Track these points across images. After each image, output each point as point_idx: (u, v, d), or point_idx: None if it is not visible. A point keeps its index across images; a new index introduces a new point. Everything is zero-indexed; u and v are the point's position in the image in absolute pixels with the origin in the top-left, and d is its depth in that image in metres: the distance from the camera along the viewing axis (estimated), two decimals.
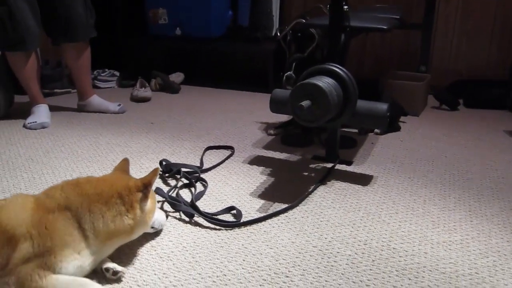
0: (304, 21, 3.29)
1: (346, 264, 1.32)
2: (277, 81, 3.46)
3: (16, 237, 1.05)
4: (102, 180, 1.24)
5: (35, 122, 2.52)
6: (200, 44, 3.48)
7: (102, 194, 1.16)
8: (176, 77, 3.41)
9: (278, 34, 3.35)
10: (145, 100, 3.06)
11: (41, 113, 2.59)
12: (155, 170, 1.25)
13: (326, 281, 1.24)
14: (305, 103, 1.60)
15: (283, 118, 2.67)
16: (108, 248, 1.19)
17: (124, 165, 1.36)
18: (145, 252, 1.35)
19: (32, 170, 1.95)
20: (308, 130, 2.36)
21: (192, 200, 1.61)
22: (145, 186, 1.22)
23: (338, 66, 1.78)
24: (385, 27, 1.96)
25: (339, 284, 1.22)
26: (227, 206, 1.60)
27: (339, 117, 1.77)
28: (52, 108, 2.74)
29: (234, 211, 1.58)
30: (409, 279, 1.26)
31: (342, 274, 1.27)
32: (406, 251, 1.39)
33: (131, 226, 1.19)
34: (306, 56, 2.32)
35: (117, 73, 3.51)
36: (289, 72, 2.24)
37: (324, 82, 1.66)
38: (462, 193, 1.78)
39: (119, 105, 2.84)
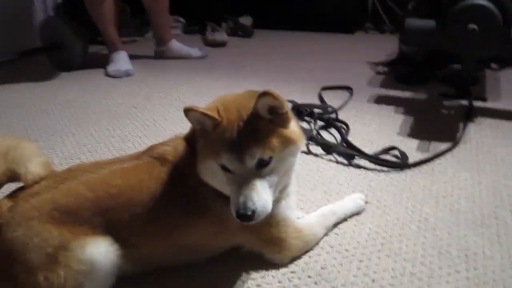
0: None
1: None
2: (357, 20, 3.24)
3: None
4: None
5: (119, 69, 2.36)
6: None
7: None
8: (245, 20, 3.19)
9: None
10: (222, 44, 2.86)
11: (122, 60, 2.42)
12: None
13: None
14: (474, 27, 1.40)
15: (379, 58, 2.47)
16: None
17: None
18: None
19: (142, 117, 1.80)
20: (420, 67, 2.17)
21: (347, 141, 1.45)
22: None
23: None
24: None
25: None
26: (384, 147, 1.44)
27: (495, 44, 1.57)
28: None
29: (396, 152, 1.42)
30: None
31: None
32: None
33: None
34: None
35: (181, 19, 3.29)
36: (416, 1, 2.01)
37: (488, 3, 1.45)
38: None
39: (200, 49, 2.65)
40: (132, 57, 2.52)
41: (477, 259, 0.97)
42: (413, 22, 1.75)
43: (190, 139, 0.96)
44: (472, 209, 1.15)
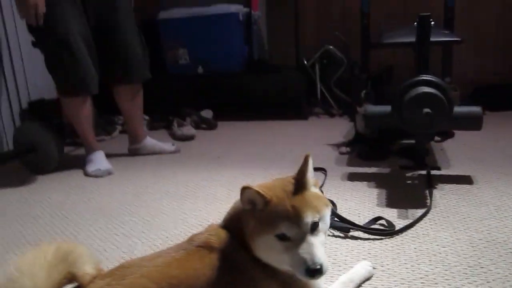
0: (331, 47, 3.49)
1: None
2: (309, 106, 3.60)
3: None
4: None
5: (99, 169, 2.44)
6: (226, 79, 3.54)
7: None
8: (206, 114, 3.42)
9: (305, 62, 3.53)
10: (191, 138, 3.05)
11: (100, 159, 2.52)
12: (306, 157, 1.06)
13: None
14: (428, 110, 1.70)
15: (335, 139, 2.77)
16: None
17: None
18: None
19: (138, 213, 1.89)
20: (376, 144, 2.47)
21: (339, 216, 1.64)
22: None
23: (433, 76, 1.91)
24: (459, 39, 2.14)
25: None
26: (372, 218, 1.65)
27: (444, 122, 1.89)
28: None
29: (383, 221, 1.62)
30: None
31: None
32: None
33: None
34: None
35: (146, 117, 3.46)
36: (366, 90, 2.34)
37: (435, 90, 1.78)
38: None
39: (173, 144, 2.81)
40: (107, 156, 2.62)
41: None
42: (372, 109, 2.06)
43: (228, 225, 1.11)
44: (460, 262, 1.35)
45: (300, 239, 0.96)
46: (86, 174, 2.45)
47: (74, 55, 2.30)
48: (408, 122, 1.82)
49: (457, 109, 1.93)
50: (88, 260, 1.04)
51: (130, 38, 2.49)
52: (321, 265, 0.94)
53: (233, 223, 1.10)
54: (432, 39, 2.03)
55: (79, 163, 2.58)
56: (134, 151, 2.77)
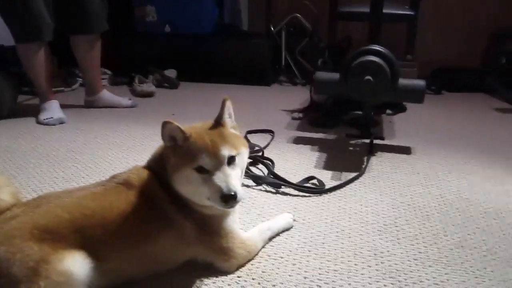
0: (299, 15, 3.49)
1: (437, 213, 1.49)
2: (273, 74, 3.62)
3: None
4: None
5: (51, 118, 2.43)
6: (193, 41, 3.52)
7: None
8: (170, 73, 3.41)
9: (272, 29, 3.53)
10: (150, 95, 3.04)
11: (54, 108, 2.50)
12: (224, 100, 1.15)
13: (430, 226, 1.40)
14: (369, 78, 1.75)
15: (293, 106, 2.82)
16: None
17: None
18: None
19: (82, 160, 1.91)
20: (329, 113, 2.52)
21: (274, 173, 1.69)
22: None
23: (382, 47, 1.95)
24: (412, 13, 2.18)
25: (443, 228, 1.39)
26: (305, 177, 1.71)
27: (385, 91, 1.94)
28: None
29: (315, 181, 1.69)
30: (494, 219, 1.46)
31: (440, 220, 1.43)
32: (478, 200, 1.59)
33: None
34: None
35: (108, 71, 3.43)
36: (323, 59, 2.38)
37: (380, 60, 1.83)
38: (495, 155, 2.05)
39: (130, 99, 2.81)
40: (62, 106, 2.60)
41: (383, 256, 1.23)
42: (322, 75, 2.10)
43: (151, 166, 1.15)
44: (377, 220, 1.43)
45: (217, 171, 1.02)
46: (38, 122, 2.44)
47: (26, 2, 2.27)
48: (352, 89, 1.87)
49: (402, 81, 1.98)
50: (7, 190, 1.07)
51: None
52: (235, 192, 1.00)
53: (156, 163, 1.15)
54: (385, 11, 2.06)
55: (33, 112, 2.55)
56: (90, 103, 2.75)
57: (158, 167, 1.12)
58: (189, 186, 1.06)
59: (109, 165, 1.86)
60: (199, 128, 1.09)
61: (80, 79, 3.27)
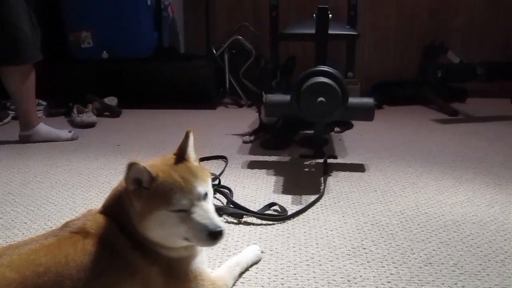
0: (240, 37, 3.49)
1: (401, 230, 1.49)
2: (218, 96, 3.57)
3: None
4: None
5: None
6: (133, 66, 3.40)
7: None
8: (111, 101, 3.26)
9: (214, 51, 3.49)
10: (91, 125, 2.88)
11: None
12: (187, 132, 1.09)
13: (397, 245, 1.40)
14: (322, 99, 1.75)
15: (241, 129, 2.78)
16: None
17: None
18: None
19: (22, 203, 1.75)
20: (279, 134, 2.51)
21: (234, 202, 1.63)
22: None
23: (330, 67, 1.97)
24: (356, 33, 2.23)
25: (409, 246, 1.39)
26: (266, 204, 1.66)
27: (337, 111, 1.96)
28: None
29: (276, 207, 1.64)
30: (454, 231, 1.49)
31: (405, 238, 1.44)
32: (436, 213, 1.62)
33: None
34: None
35: (43, 102, 3.23)
36: (276, 80, 2.36)
37: (330, 81, 1.84)
38: (443, 166, 2.11)
39: (70, 131, 2.64)
40: None
41: (357, 282, 1.20)
42: (273, 98, 2.08)
43: (107, 210, 1.05)
44: (345, 244, 1.40)
45: (194, 208, 0.96)
46: None
47: None
48: (305, 111, 1.86)
49: (351, 100, 2.01)
50: None
51: (15, 14, 2.29)
52: (220, 227, 0.95)
53: (114, 208, 1.05)
54: (330, 31, 2.09)
55: None
56: (26, 138, 2.55)
57: (116, 212, 1.03)
58: (162, 230, 0.97)
59: (54, 206, 1.72)
60: (162, 165, 1.01)
61: (13, 112, 3.05)
